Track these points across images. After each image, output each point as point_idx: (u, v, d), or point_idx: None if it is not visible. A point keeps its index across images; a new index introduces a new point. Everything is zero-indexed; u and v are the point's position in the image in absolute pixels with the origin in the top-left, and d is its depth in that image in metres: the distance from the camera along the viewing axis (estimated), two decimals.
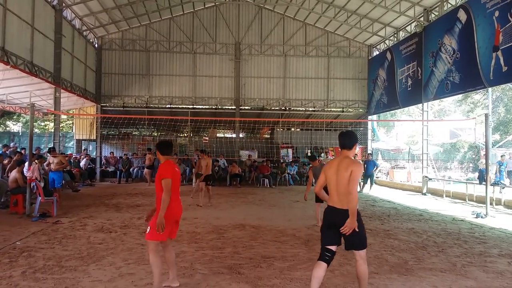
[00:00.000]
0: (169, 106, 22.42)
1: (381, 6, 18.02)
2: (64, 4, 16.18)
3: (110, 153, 21.45)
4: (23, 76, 13.28)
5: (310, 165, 10.15)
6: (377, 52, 22.47)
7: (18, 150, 15.03)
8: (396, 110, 23.89)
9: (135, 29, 21.92)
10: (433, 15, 16.99)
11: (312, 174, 9.54)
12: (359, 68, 23.25)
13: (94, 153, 21.94)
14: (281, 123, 24.06)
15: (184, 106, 22.36)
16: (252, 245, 7.05)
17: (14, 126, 31.67)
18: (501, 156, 16.46)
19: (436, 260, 6.27)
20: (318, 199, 9.43)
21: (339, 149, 4.51)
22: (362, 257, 4.33)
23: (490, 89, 18.56)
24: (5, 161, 12.51)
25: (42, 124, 30.85)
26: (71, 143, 24.12)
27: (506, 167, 16.18)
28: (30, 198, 9.94)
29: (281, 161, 21.46)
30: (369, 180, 17.50)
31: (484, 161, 13.55)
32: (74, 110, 22.91)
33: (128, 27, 21.60)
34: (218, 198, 14.28)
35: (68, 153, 19.90)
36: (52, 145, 14.88)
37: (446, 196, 15.46)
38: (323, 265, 4.27)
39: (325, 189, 4.58)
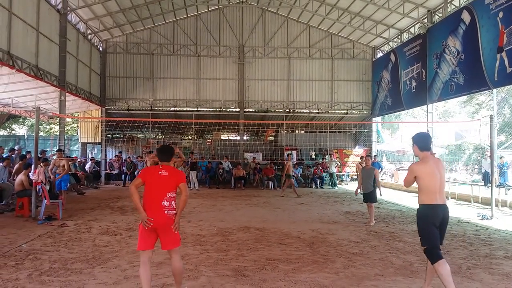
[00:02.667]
0: (174, 109, 22.49)
1: (385, 8, 18.03)
2: (68, 8, 16.29)
3: (115, 156, 21.51)
4: (29, 80, 13.35)
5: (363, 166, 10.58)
6: (381, 54, 22.47)
7: (23, 153, 15.11)
8: (400, 112, 23.81)
9: (139, 32, 22.04)
10: (436, 17, 16.97)
11: (361, 174, 10.16)
12: (363, 70, 23.25)
13: (99, 156, 22.01)
14: (285, 125, 24.07)
15: (188, 109, 22.44)
16: (256, 248, 7.05)
17: (20, 130, 31.85)
18: (500, 158, 16.37)
19: None
20: (367, 199, 9.81)
21: (419, 151, 4.70)
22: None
23: (495, 90, 18.45)
24: (17, 166, 12.51)
25: (48, 127, 31.00)
26: (76, 146, 24.21)
27: (508, 167, 16.08)
28: (36, 201, 9.99)
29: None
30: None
31: (488, 161, 13.50)
32: (79, 113, 23.01)
33: (132, 30, 21.72)
34: (222, 200, 14.30)
35: (73, 156, 19.99)
36: (57, 148, 14.97)
37: (451, 198, 15.39)
38: (444, 261, 4.46)
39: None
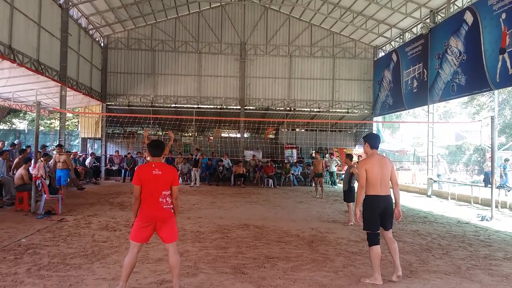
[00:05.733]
0: (174, 105, 22.47)
1: (387, 8, 17.99)
2: (70, 3, 16.26)
3: (115, 152, 21.52)
4: (30, 74, 13.33)
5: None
6: (383, 54, 22.43)
7: (23, 147, 15.11)
8: (401, 112, 23.79)
9: (141, 28, 21.99)
10: (439, 17, 16.93)
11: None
12: (365, 69, 23.21)
13: (99, 151, 22.01)
14: (286, 124, 24.05)
15: (189, 106, 22.42)
16: (256, 245, 7.05)
17: (20, 124, 31.85)
18: (505, 160, 16.40)
19: (440, 263, 6.25)
20: (348, 199, 9.72)
21: (369, 149, 5.36)
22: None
23: (496, 91, 18.43)
24: (17, 160, 12.51)
25: (48, 122, 30.99)
26: (77, 141, 24.20)
27: (508, 169, 16.08)
28: (36, 195, 9.99)
29: (286, 161, 21.44)
30: None
31: (489, 163, 13.49)
32: (79, 108, 22.99)
33: (134, 26, 21.68)
34: (222, 197, 14.30)
35: (73, 151, 19.99)
36: (58, 143, 14.97)
37: (451, 199, 15.39)
38: (378, 246, 5.17)
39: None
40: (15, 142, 16.74)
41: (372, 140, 5.39)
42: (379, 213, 5.20)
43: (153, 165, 4.55)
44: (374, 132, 5.48)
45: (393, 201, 5.37)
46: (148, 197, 4.49)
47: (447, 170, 19.28)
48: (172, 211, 4.60)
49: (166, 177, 4.54)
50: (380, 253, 5.18)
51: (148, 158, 4.82)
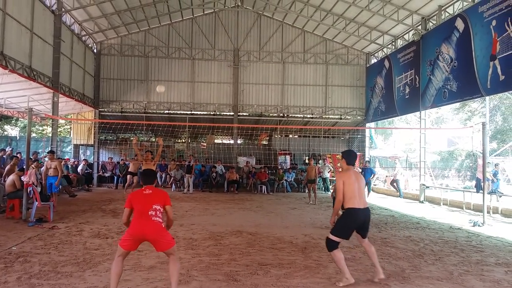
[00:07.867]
0: (167, 111, 22.43)
1: (379, 15, 18.13)
2: (63, 9, 16.22)
3: (108, 158, 21.41)
4: (22, 81, 13.26)
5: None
6: (375, 60, 22.58)
7: (14, 154, 15.00)
8: (393, 118, 23.92)
9: (134, 34, 21.98)
10: (431, 24, 17.10)
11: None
12: (357, 76, 23.34)
13: (92, 158, 21.89)
14: (279, 130, 24.08)
15: (182, 112, 22.38)
16: (249, 252, 7.03)
17: (12, 131, 31.60)
18: (495, 165, 16.53)
19: (433, 269, 6.27)
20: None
21: (345, 164, 5.64)
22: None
23: (487, 97, 18.62)
24: (8, 167, 12.38)
25: (40, 128, 30.79)
26: (69, 147, 24.05)
27: (497, 175, 16.16)
28: (27, 203, 9.90)
29: (279, 167, 21.45)
30: (366, 187, 17.49)
31: (482, 169, 13.58)
32: (72, 115, 22.87)
33: (127, 32, 21.66)
34: (215, 204, 14.26)
35: (65, 157, 19.85)
36: (49, 149, 14.86)
37: (443, 204, 15.47)
38: (339, 249, 5.36)
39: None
40: (6, 149, 16.58)
41: (349, 157, 5.67)
42: (356, 226, 5.40)
43: (144, 187, 4.76)
44: (352, 149, 5.95)
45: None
46: (138, 212, 4.57)
47: (399, 174, 19.88)
48: (163, 225, 4.66)
49: (157, 195, 4.69)
50: (342, 254, 5.37)
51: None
